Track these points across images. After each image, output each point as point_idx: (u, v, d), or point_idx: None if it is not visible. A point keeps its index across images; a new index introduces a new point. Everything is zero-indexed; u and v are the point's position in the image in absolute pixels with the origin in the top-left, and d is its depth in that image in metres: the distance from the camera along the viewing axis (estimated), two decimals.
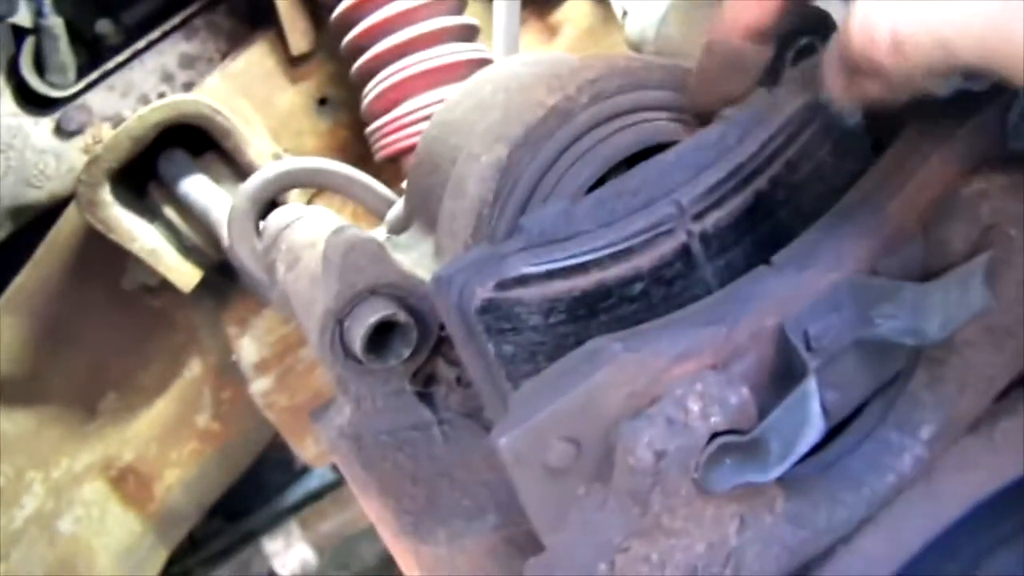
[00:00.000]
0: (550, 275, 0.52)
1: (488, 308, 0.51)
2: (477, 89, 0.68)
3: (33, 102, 1.21)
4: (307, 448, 1.18)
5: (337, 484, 1.68)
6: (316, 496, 1.88)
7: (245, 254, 0.73)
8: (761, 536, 0.50)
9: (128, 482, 1.19)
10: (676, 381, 0.46)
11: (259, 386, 1.13)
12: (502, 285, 0.51)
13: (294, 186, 0.78)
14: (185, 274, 1.12)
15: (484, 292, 0.51)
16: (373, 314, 0.57)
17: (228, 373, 1.22)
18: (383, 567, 2.29)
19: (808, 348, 0.51)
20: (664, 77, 0.63)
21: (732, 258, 0.57)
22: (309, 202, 1.29)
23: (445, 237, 0.62)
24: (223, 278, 1.19)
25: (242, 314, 1.16)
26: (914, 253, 0.51)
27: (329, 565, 2.35)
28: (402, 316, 0.58)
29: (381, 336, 0.60)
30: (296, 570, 1.44)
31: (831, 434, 0.57)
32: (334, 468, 1.37)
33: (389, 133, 1.08)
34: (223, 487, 1.27)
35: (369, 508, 0.57)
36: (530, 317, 0.52)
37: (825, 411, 0.54)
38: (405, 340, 0.60)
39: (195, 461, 1.22)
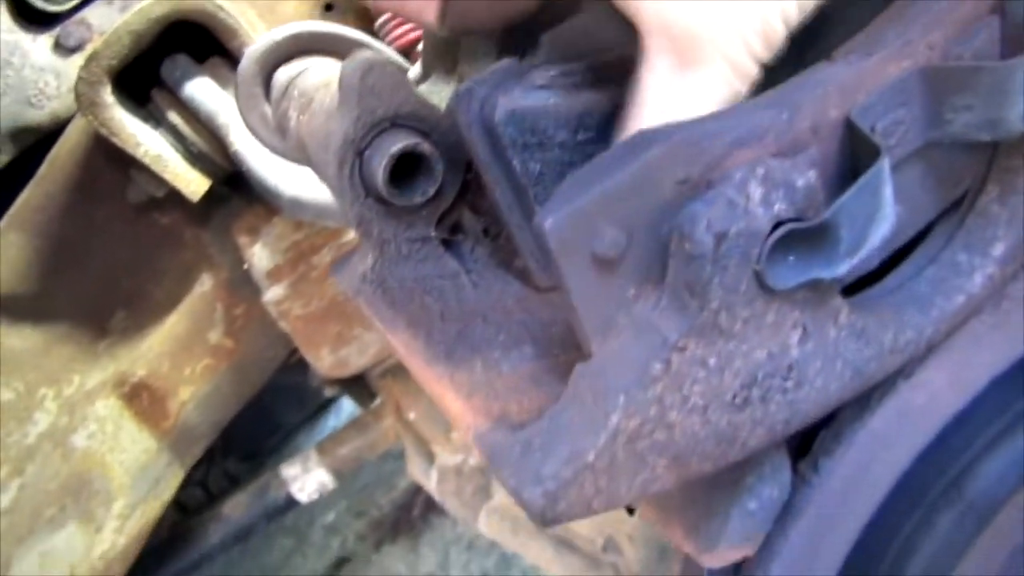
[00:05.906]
0: (577, 85, 0.48)
1: (512, 119, 0.48)
2: None
3: (30, 18, 1.16)
4: (323, 358, 1.15)
5: (353, 419, 1.65)
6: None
7: (254, 120, 0.69)
8: (824, 349, 0.46)
9: (142, 398, 1.15)
10: (735, 167, 0.41)
11: (272, 295, 1.10)
12: (526, 95, 0.47)
13: (304, 52, 0.73)
14: (193, 182, 1.08)
15: (508, 102, 0.47)
16: (395, 143, 0.53)
17: (240, 289, 1.19)
18: (398, 512, 2.27)
19: None
20: None
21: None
22: None
23: (466, 65, 0.58)
24: (231, 190, 1.15)
25: (252, 223, 1.12)
26: (991, 38, 0.47)
27: (345, 513, 2.33)
28: (426, 147, 0.54)
29: (404, 173, 0.56)
30: (314, 494, 1.42)
31: (895, 260, 0.53)
32: (345, 389, 1.32)
33: (397, 26, 1.04)
34: (238, 405, 1.24)
35: (397, 342, 0.53)
36: (557, 132, 0.48)
37: None
38: (430, 176, 0.56)
39: (208, 378, 1.19)
